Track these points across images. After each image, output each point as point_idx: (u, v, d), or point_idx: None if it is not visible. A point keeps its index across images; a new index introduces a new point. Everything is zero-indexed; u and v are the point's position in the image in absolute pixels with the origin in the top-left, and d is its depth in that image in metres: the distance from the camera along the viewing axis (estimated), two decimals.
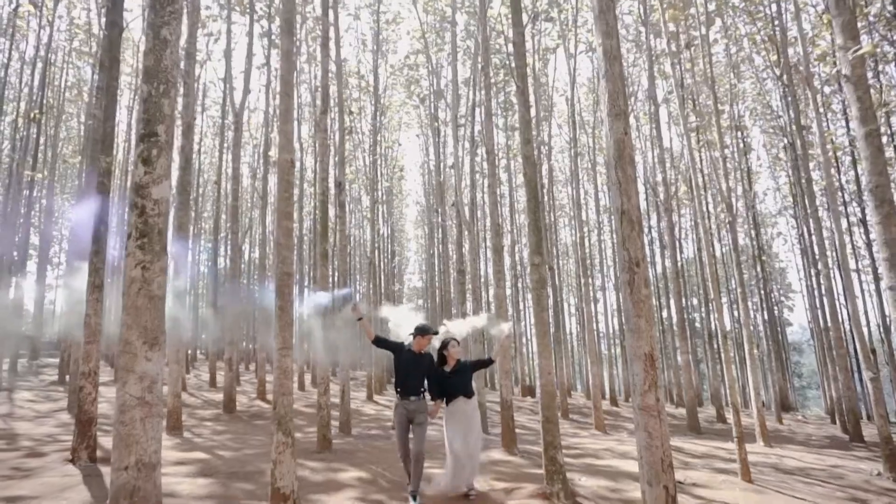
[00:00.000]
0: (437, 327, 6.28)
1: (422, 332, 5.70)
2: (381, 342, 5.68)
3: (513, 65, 11.47)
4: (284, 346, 5.52)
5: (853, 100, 5.79)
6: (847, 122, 19.01)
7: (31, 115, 13.98)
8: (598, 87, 5.80)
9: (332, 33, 11.75)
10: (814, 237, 16.62)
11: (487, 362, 6.20)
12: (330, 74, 11.74)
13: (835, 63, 11.41)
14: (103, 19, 17.73)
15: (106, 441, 8.52)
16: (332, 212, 16.07)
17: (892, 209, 5.47)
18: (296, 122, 19.93)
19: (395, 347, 5.69)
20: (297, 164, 21.32)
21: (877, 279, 18.37)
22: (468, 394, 5.76)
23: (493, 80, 19.27)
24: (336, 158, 11.92)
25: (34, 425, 10.12)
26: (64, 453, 7.64)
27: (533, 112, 20.09)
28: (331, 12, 11.83)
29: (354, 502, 5.75)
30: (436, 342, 6.08)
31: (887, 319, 17.60)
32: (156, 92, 3.09)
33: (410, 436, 5.55)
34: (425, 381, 5.69)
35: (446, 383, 5.75)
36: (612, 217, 9.79)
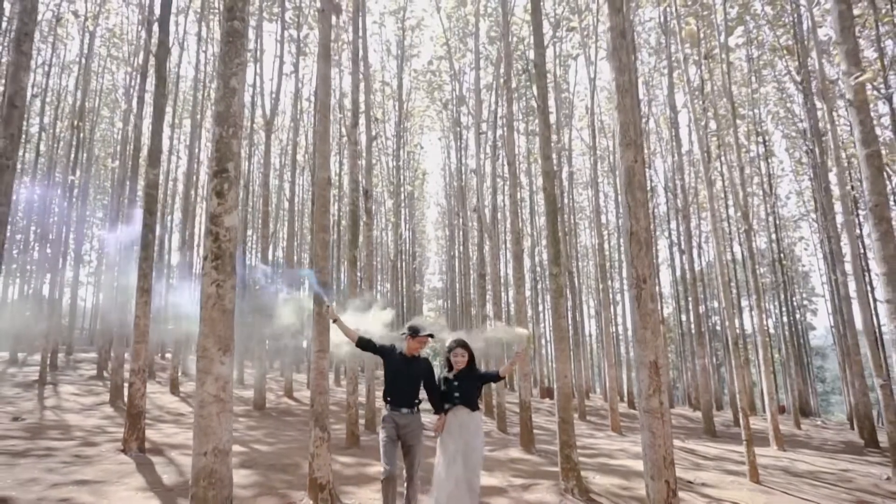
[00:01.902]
0: (454, 333, 5.49)
1: (413, 332, 4.74)
2: (366, 345, 4.76)
3: (533, 70, 11.91)
4: (321, 349, 6.05)
5: (855, 123, 6.14)
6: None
7: (75, 122, 14.75)
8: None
9: (359, 45, 12.29)
10: (832, 243, 16.76)
11: (493, 377, 5.08)
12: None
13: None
14: (143, 29, 18.54)
15: (150, 433, 9.15)
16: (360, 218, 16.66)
17: (890, 227, 5.82)
18: (314, 121, 20.54)
19: (384, 351, 4.78)
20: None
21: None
22: (472, 405, 4.73)
23: (514, 86, 19.71)
24: (364, 166, 12.45)
25: (82, 417, 10.81)
26: (115, 443, 8.27)
27: (553, 118, 20.48)
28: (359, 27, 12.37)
29: None
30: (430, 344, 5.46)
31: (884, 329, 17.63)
32: (226, 134, 3.61)
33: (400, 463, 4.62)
34: (420, 392, 4.77)
35: (448, 388, 4.79)
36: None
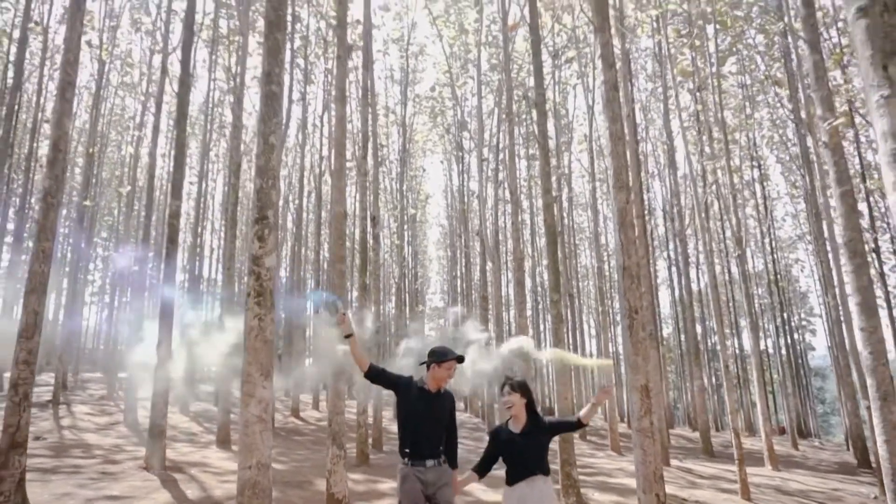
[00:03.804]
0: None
1: (440, 357, 3.56)
2: (378, 375, 3.65)
3: (532, 96, 12.51)
4: (339, 371, 6.51)
5: (830, 164, 6.66)
6: (860, 156, 19.65)
7: (90, 149, 15.33)
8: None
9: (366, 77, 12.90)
10: (824, 267, 17.25)
11: (575, 426, 3.64)
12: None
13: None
14: (154, 55, 19.22)
15: (168, 452, 9.54)
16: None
17: (864, 261, 6.31)
18: (319, 145, 21.10)
19: (400, 384, 3.65)
20: (325, 191, 22.44)
21: (890, 310, 18.87)
22: (545, 469, 3.42)
23: (514, 110, 20.37)
24: (371, 195, 12.98)
25: (100, 437, 11.21)
26: (135, 461, 8.67)
27: (553, 143, 21.09)
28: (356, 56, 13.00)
29: None
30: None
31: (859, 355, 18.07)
32: (266, 185, 4.12)
33: None
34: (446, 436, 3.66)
35: (512, 448, 3.43)
36: (638, 237, 10.72)
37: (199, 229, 20.22)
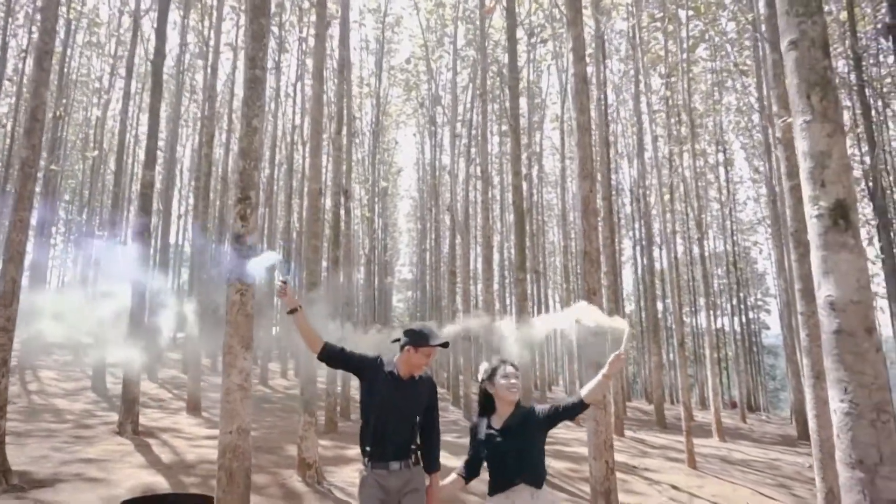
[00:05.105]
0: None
1: (417, 340, 2.83)
2: (335, 356, 2.92)
3: (507, 73, 12.74)
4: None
5: (782, 159, 7.09)
6: None
7: (58, 112, 15.02)
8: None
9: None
10: (779, 251, 18.05)
11: (576, 408, 2.73)
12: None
13: None
14: (124, 17, 18.72)
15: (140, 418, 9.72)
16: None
17: (807, 251, 6.77)
18: (291, 114, 20.95)
19: (364, 365, 2.92)
20: (296, 160, 22.28)
21: None
22: (533, 477, 2.63)
23: (489, 87, 20.51)
24: (344, 168, 13.09)
25: (69, 402, 11.31)
26: (108, 426, 8.85)
27: (525, 122, 21.33)
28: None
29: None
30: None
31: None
32: (248, 167, 4.31)
33: None
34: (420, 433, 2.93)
35: (491, 449, 2.68)
36: (602, 220, 11.14)
37: (169, 196, 19.98)
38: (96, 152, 17.66)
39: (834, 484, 5.94)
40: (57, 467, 6.31)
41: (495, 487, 2.62)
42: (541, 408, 2.73)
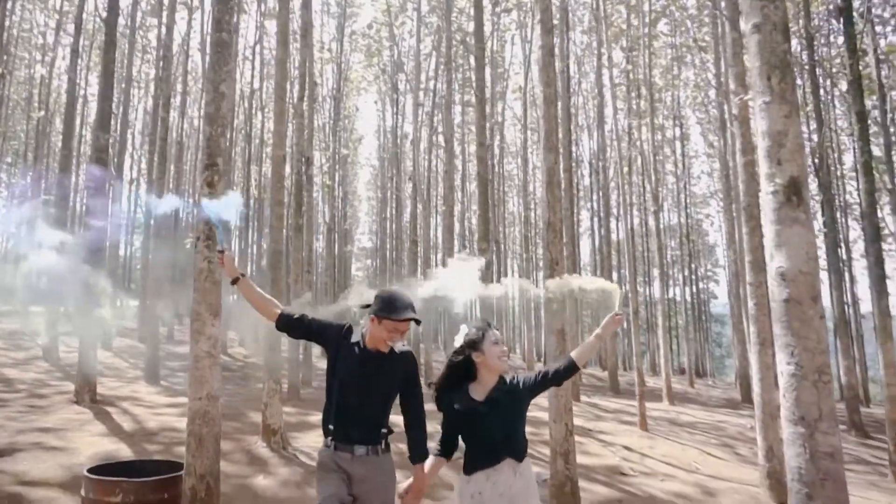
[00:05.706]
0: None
1: (389, 311, 2.40)
2: (293, 325, 2.62)
3: (472, 41, 12.67)
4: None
5: (738, 135, 7.35)
6: None
7: (1, 71, 14.25)
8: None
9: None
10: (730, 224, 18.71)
11: (567, 372, 2.50)
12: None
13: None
14: None
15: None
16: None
17: (758, 224, 7.09)
18: (250, 77, 20.41)
19: (328, 334, 2.59)
20: (254, 125, 21.71)
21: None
22: (517, 452, 2.41)
23: (452, 56, 20.33)
24: (306, 135, 12.89)
25: (20, 371, 11.00)
26: (64, 395, 8.68)
27: (488, 93, 21.31)
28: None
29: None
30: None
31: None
32: (215, 133, 4.24)
33: None
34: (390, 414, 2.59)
35: (472, 423, 2.43)
36: (563, 191, 11.33)
37: (121, 160, 19.27)
38: (42, 112, 16.81)
39: (774, 443, 6.36)
40: (13, 436, 6.20)
41: (475, 465, 2.36)
42: (525, 376, 2.50)
